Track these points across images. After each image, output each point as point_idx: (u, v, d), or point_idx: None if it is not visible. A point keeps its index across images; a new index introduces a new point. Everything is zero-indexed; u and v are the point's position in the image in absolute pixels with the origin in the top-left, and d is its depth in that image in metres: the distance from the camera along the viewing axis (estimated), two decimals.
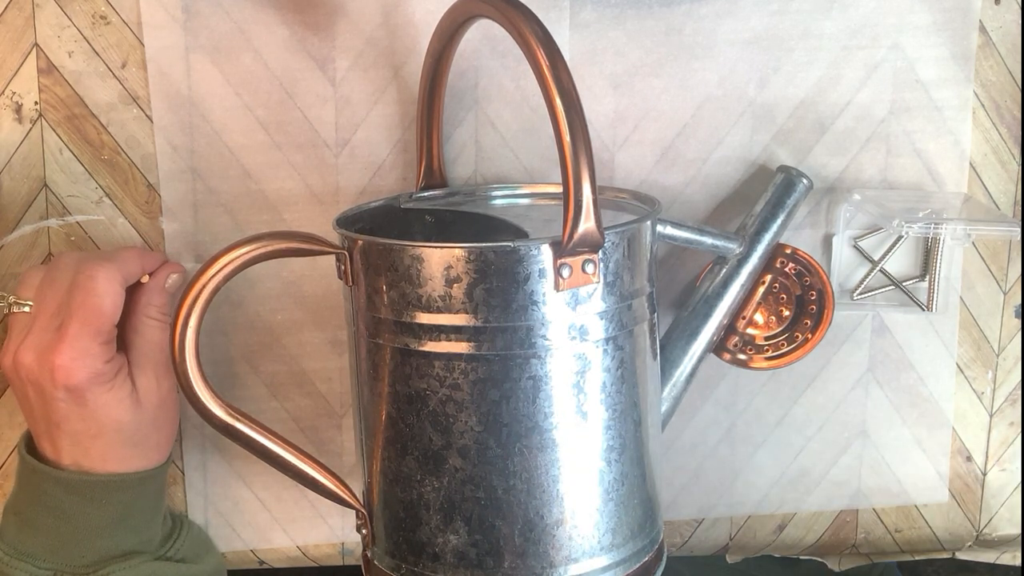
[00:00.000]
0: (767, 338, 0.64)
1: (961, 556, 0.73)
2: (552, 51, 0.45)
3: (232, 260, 0.50)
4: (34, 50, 0.60)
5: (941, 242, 0.65)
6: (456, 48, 0.57)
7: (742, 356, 0.64)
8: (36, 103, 0.61)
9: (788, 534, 0.70)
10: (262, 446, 0.53)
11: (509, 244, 0.47)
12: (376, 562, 0.54)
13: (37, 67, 0.61)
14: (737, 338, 0.64)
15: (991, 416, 0.70)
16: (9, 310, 0.57)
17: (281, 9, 0.61)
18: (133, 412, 0.56)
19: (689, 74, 0.63)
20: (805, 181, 0.61)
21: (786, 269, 0.64)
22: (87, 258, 0.56)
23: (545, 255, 0.47)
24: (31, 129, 0.61)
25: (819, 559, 0.73)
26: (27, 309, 0.56)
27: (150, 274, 0.59)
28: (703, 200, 0.65)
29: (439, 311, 0.48)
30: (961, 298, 0.68)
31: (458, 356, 0.48)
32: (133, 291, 0.58)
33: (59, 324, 0.54)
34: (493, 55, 0.62)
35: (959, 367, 0.69)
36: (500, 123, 0.63)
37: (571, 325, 0.48)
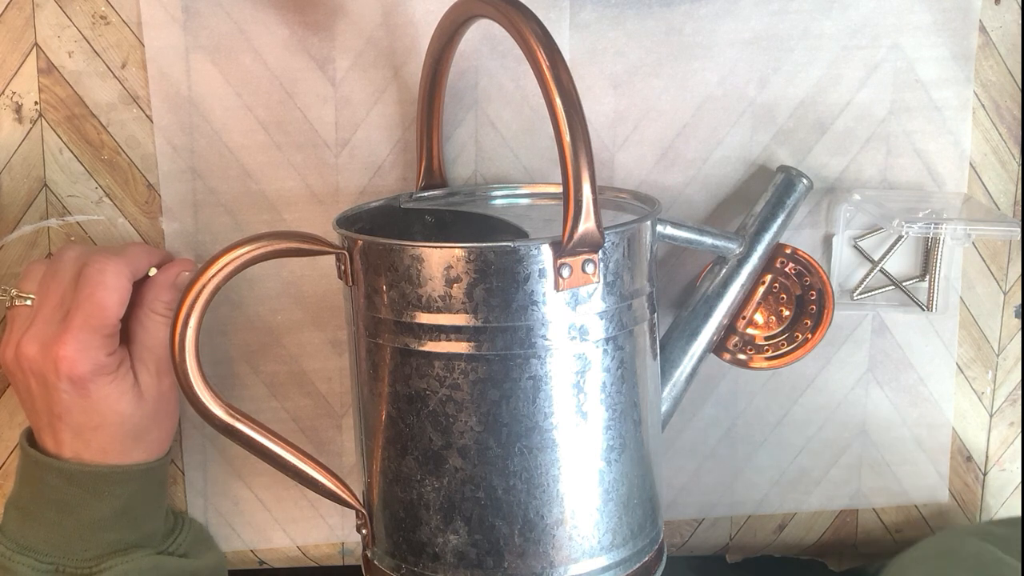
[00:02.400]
0: (767, 338, 0.64)
1: None
2: (552, 51, 0.45)
3: (232, 260, 0.50)
4: (34, 50, 0.60)
5: (941, 242, 0.65)
6: (456, 48, 0.57)
7: (742, 356, 0.64)
8: (36, 103, 0.61)
9: (788, 534, 0.70)
10: (262, 446, 0.53)
11: (509, 244, 0.47)
12: (376, 562, 0.54)
13: (37, 67, 0.61)
14: (737, 338, 0.64)
15: (991, 416, 0.70)
16: (11, 303, 0.57)
17: (281, 9, 0.61)
18: (135, 405, 0.57)
19: (689, 74, 0.63)
20: (805, 181, 0.61)
21: (786, 269, 0.64)
22: (96, 252, 0.57)
23: (545, 255, 0.47)
24: (31, 129, 0.61)
25: (819, 559, 0.73)
26: (28, 303, 0.57)
27: (157, 267, 0.59)
28: (703, 200, 0.65)
29: (439, 311, 0.48)
30: (961, 298, 0.68)
31: (458, 356, 0.48)
32: (140, 285, 0.58)
33: (63, 316, 0.54)
34: (493, 55, 0.62)
35: (959, 367, 0.69)
36: (500, 123, 0.63)
37: (571, 325, 0.48)
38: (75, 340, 0.54)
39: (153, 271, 0.59)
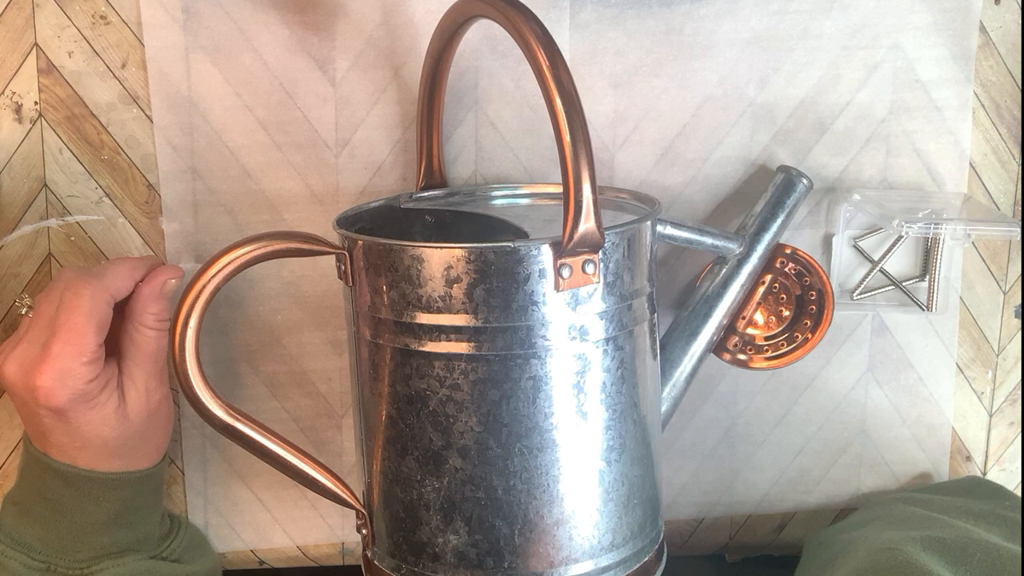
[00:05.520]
0: (767, 338, 0.64)
1: None
2: (552, 51, 0.45)
3: (232, 260, 0.50)
4: (34, 50, 0.60)
5: (941, 242, 0.65)
6: (456, 48, 0.57)
7: (742, 356, 0.64)
8: (36, 103, 0.61)
9: (788, 534, 0.70)
10: (262, 446, 0.53)
11: (509, 244, 0.47)
12: (376, 562, 0.54)
13: (37, 67, 0.61)
14: (737, 338, 0.64)
15: (991, 416, 0.70)
16: (25, 313, 0.57)
17: (281, 9, 0.61)
18: (119, 428, 0.56)
19: (689, 74, 0.63)
20: (805, 181, 0.62)
21: (786, 269, 0.64)
22: (77, 275, 0.55)
23: (545, 255, 0.47)
24: (31, 129, 0.61)
25: None
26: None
27: (143, 277, 0.57)
28: (703, 200, 0.65)
29: (439, 311, 0.48)
30: (961, 298, 0.68)
31: (458, 356, 0.48)
32: (129, 297, 0.57)
33: (45, 340, 0.53)
34: (493, 55, 0.62)
35: (959, 367, 0.69)
36: (500, 123, 0.63)
37: (571, 325, 0.48)
38: (52, 369, 0.52)
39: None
